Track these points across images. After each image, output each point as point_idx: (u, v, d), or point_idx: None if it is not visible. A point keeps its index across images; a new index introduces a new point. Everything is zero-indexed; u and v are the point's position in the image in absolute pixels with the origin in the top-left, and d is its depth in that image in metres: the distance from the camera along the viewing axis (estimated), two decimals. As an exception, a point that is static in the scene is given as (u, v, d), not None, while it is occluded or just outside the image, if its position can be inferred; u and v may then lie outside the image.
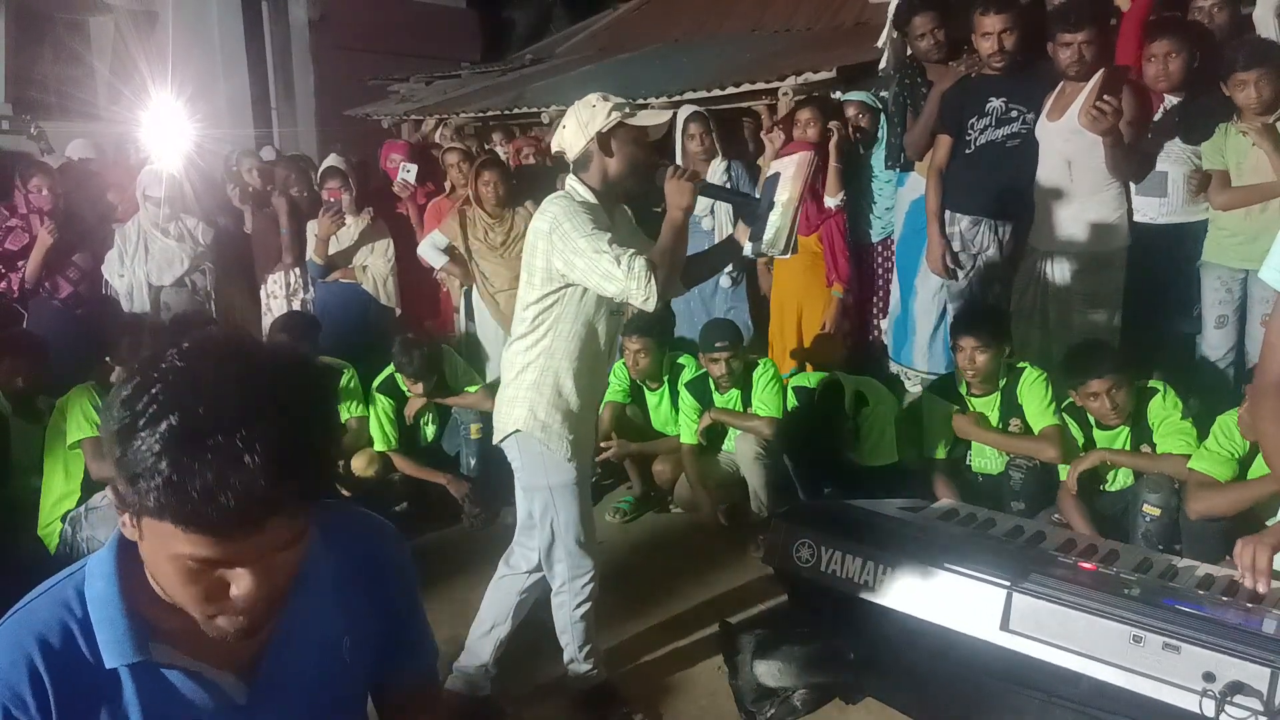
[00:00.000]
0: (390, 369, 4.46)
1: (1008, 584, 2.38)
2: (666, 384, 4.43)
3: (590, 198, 2.59)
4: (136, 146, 7.09)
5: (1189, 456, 3.20)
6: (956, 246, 4.28)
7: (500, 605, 2.86)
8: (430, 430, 4.62)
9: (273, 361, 1.07)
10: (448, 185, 5.61)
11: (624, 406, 4.48)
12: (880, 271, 5.01)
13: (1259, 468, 2.99)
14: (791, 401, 4.25)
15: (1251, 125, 3.56)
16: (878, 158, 4.84)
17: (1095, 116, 3.44)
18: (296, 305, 5.24)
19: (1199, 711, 2.05)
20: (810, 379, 4.42)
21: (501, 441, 2.70)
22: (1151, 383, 3.54)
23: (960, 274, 4.31)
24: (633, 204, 2.86)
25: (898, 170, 4.75)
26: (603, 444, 4.25)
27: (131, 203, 5.28)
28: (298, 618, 1.21)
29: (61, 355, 4.29)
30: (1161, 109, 3.92)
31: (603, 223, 2.53)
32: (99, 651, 1.12)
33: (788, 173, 2.71)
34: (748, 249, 2.80)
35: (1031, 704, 2.35)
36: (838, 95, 5.18)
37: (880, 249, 4.99)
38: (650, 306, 2.47)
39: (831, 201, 4.68)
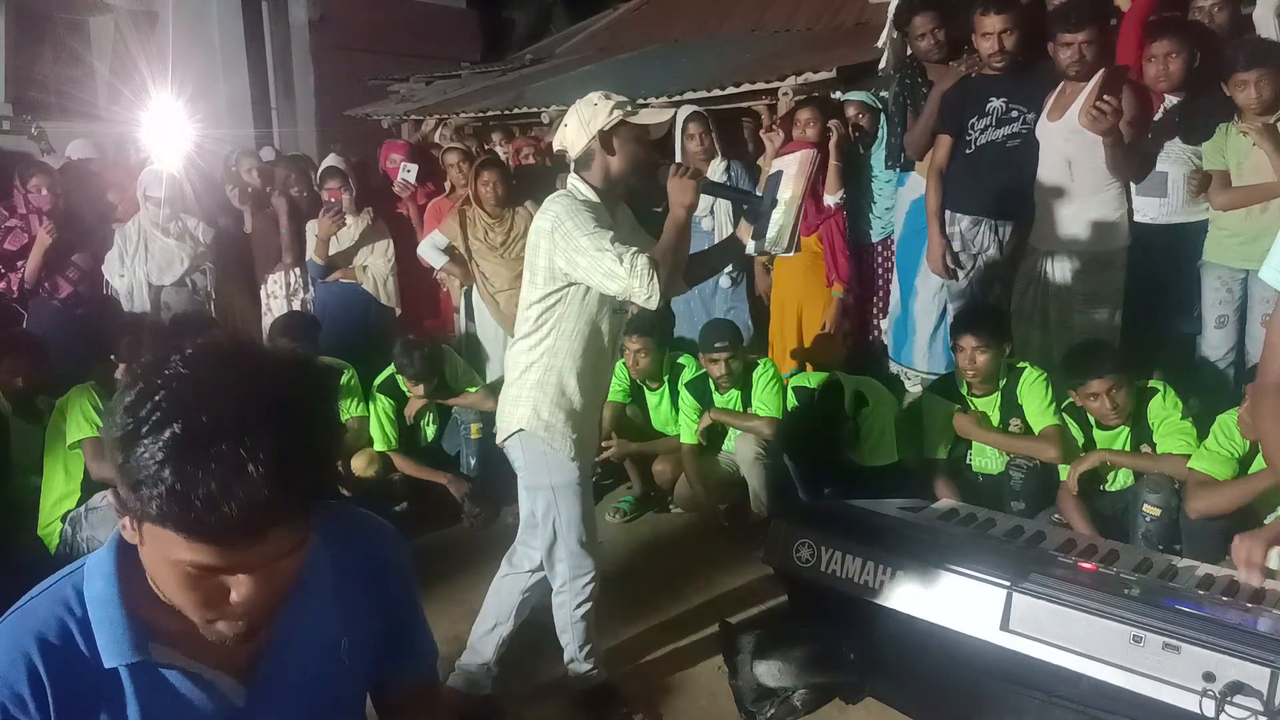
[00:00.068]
0: (390, 369, 4.46)
1: (1008, 584, 2.38)
2: (666, 384, 4.43)
3: (592, 196, 2.59)
4: (136, 146, 7.09)
5: (1189, 456, 3.20)
6: (957, 246, 4.28)
7: (503, 604, 2.86)
8: (430, 430, 4.62)
9: (276, 368, 1.07)
10: (448, 185, 5.61)
11: (624, 406, 4.48)
12: (880, 271, 5.01)
13: (1259, 467, 2.99)
14: (791, 401, 4.25)
15: (1252, 125, 3.56)
16: (878, 157, 4.84)
17: (1095, 116, 3.44)
18: (296, 305, 5.23)
19: (1199, 711, 2.05)
20: (810, 379, 4.42)
21: (505, 441, 2.69)
22: (1151, 383, 3.55)
23: (960, 274, 4.31)
24: (633, 203, 2.86)
25: (898, 170, 4.75)
26: (603, 444, 4.25)
27: (132, 203, 5.28)
28: (297, 619, 1.21)
29: (61, 355, 4.29)
30: (1162, 109, 3.92)
31: (605, 221, 2.53)
32: (98, 651, 1.12)
33: (790, 171, 2.71)
34: (750, 247, 2.80)
35: (1031, 704, 2.34)
36: (838, 95, 5.18)
37: (880, 249, 4.99)
38: (653, 305, 2.47)
39: (831, 200, 4.68)
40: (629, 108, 2.58)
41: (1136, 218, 3.90)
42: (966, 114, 4.16)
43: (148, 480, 0.97)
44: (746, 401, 4.19)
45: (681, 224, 2.57)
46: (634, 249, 2.44)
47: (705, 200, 4.47)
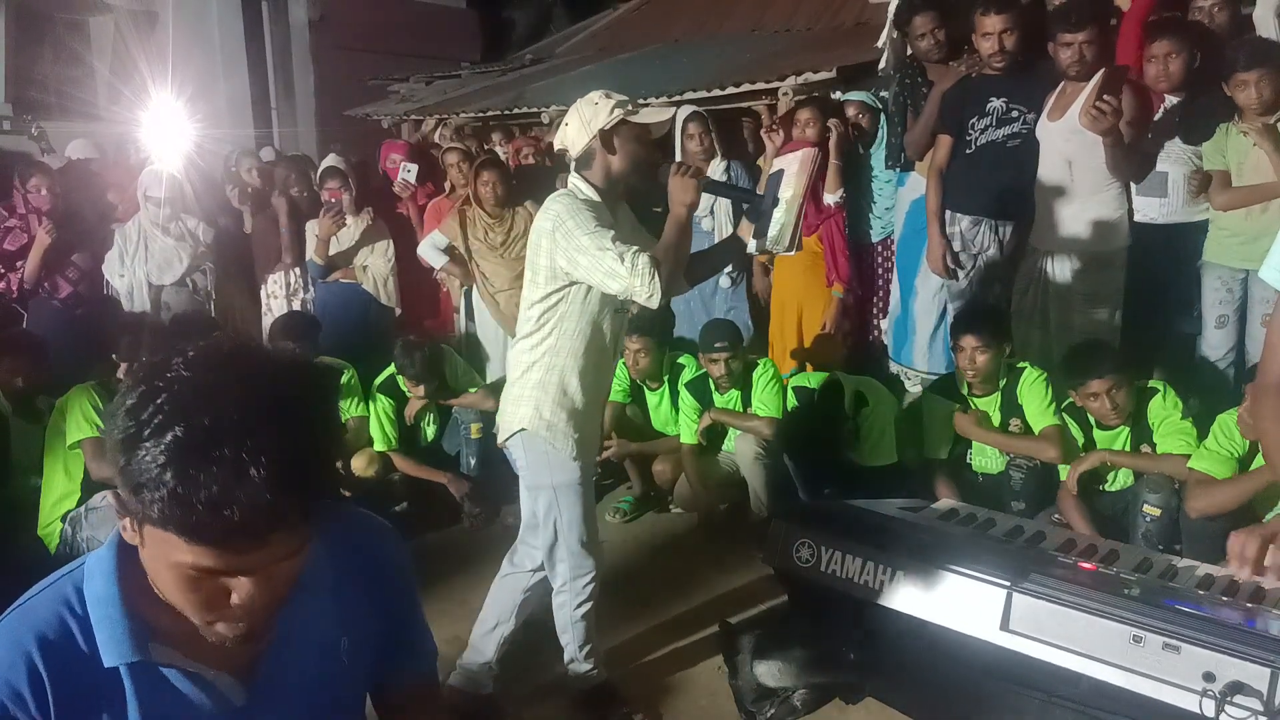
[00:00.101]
0: (390, 369, 4.46)
1: (1008, 584, 2.38)
2: (666, 384, 4.43)
3: (593, 195, 2.59)
4: (136, 146, 7.09)
5: (1189, 456, 3.20)
6: (957, 246, 4.28)
7: (504, 603, 2.86)
8: (431, 430, 4.62)
9: (277, 371, 1.07)
10: (448, 185, 5.61)
11: (624, 406, 4.48)
12: (880, 271, 5.01)
13: (1259, 466, 2.99)
14: (791, 401, 4.25)
15: (1252, 125, 3.57)
16: (878, 157, 4.84)
17: (1095, 116, 3.44)
18: (296, 305, 5.23)
19: (1199, 711, 2.05)
20: (810, 379, 4.42)
21: (507, 440, 2.69)
22: (1152, 383, 3.55)
23: (960, 274, 4.31)
24: (633, 203, 2.86)
25: (898, 170, 4.75)
26: (603, 444, 4.25)
27: (132, 203, 5.28)
28: (296, 619, 1.20)
29: (61, 355, 4.29)
30: (1162, 109, 3.92)
31: (606, 220, 2.53)
32: (98, 650, 1.12)
33: (791, 169, 2.71)
34: (752, 246, 2.80)
35: (1031, 704, 2.34)
36: (838, 95, 5.18)
37: (880, 249, 4.99)
38: (654, 303, 2.47)
39: (830, 198, 4.67)
40: (630, 107, 2.59)
41: (1137, 218, 3.90)
42: (967, 114, 4.16)
43: (149, 483, 0.97)
44: (746, 401, 4.19)
45: (683, 223, 2.57)
46: (635, 248, 2.44)
47: (705, 200, 4.47)
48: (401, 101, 9.63)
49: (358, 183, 5.29)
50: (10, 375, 3.94)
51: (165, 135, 6.24)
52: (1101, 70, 3.55)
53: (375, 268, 5.23)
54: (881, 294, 5.01)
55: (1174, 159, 3.91)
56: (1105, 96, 3.41)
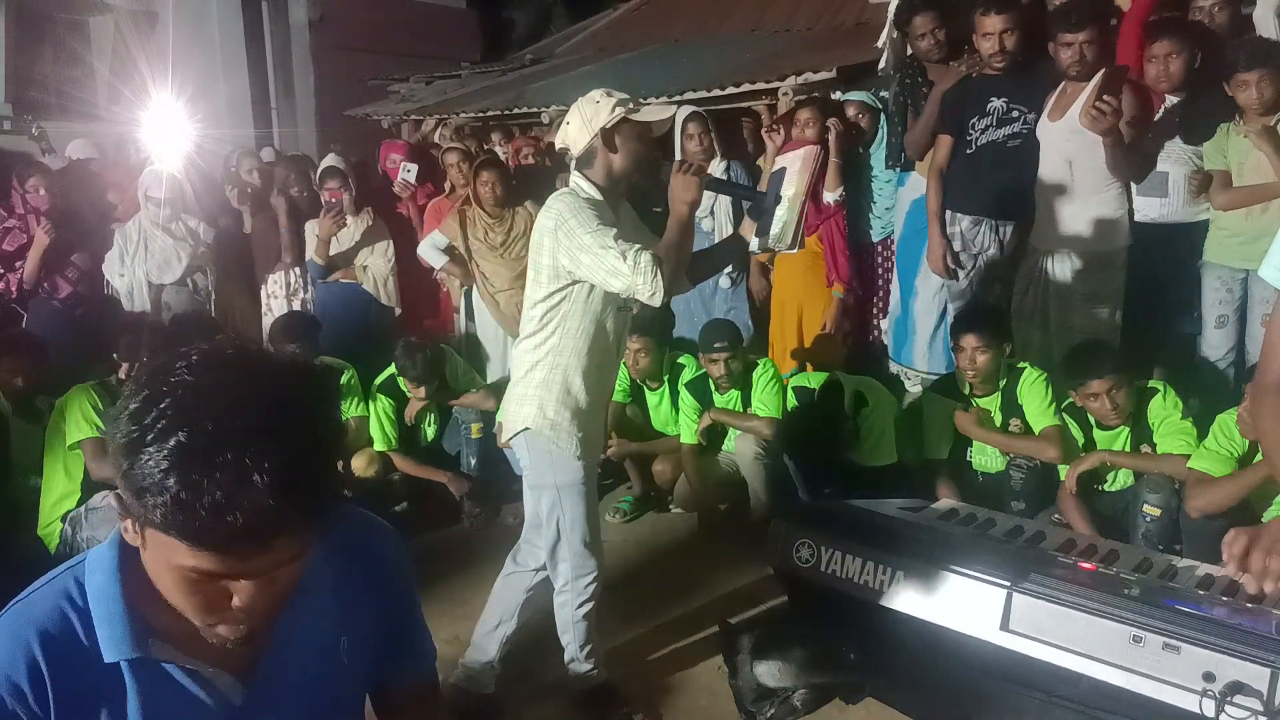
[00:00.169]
0: (391, 369, 4.46)
1: (1008, 584, 2.38)
2: (666, 384, 4.43)
3: (595, 194, 2.59)
4: (136, 146, 7.09)
5: (1189, 456, 3.20)
6: (957, 246, 4.28)
7: (507, 602, 2.86)
8: (431, 431, 4.62)
9: (280, 376, 1.07)
10: (448, 185, 5.61)
11: (624, 406, 4.47)
12: (880, 271, 5.01)
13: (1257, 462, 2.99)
14: (791, 401, 4.25)
15: (1252, 127, 3.57)
16: (878, 157, 4.84)
17: (1095, 116, 3.44)
18: (296, 305, 5.23)
19: (1199, 711, 2.05)
20: (810, 379, 4.42)
21: (510, 440, 2.69)
22: (1152, 383, 3.55)
23: (961, 274, 4.31)
24: (634, 202, 2.86)
25: (898, 170, 4.75)
26: (606, 443, 4.25)
27: (132, 202, 5.28)
28: (296, 619, 1.20)
29: (61, 355, 4.29)
30: (1162, 109, 3.92)
31: (607, 219, 2.53)
32: (99, 645, 1.12)
33: (794, 168, 2.71)
34: (754, 244, 2.80)
35: (1031, 704, 2.34)
36: (838, 95, 5.18)
37: (880, 249, 4.98)
38: (656, 301, 2.47)
39: (830, 196, 4.67)
40: (631, 105, 2.59)
41: (1137, 217, 3.90)
42: (967, 114, 4.16)
43: (152, 488, 0.97)
44: (746, 401, 4.19)
45: (684, 221, 2.58)
46: (637, 246, 2.44)
47: (705, 200, 4.45)
48: (401, 101, 9.63)
49: (357, 183, 5.29)
50: (10, 375, 3.94)
51: (165, 135, 6.24)
52: (1102, 70, 3.55)
53: (375, 268, 5.23)
54: (881, 294, 5.01)
55: (1174, 159, 3.91)
56: (1105, 97, 3.41)
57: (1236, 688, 2.02)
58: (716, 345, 4.11)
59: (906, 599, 2.55)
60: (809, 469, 4.12)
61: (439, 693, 1.57)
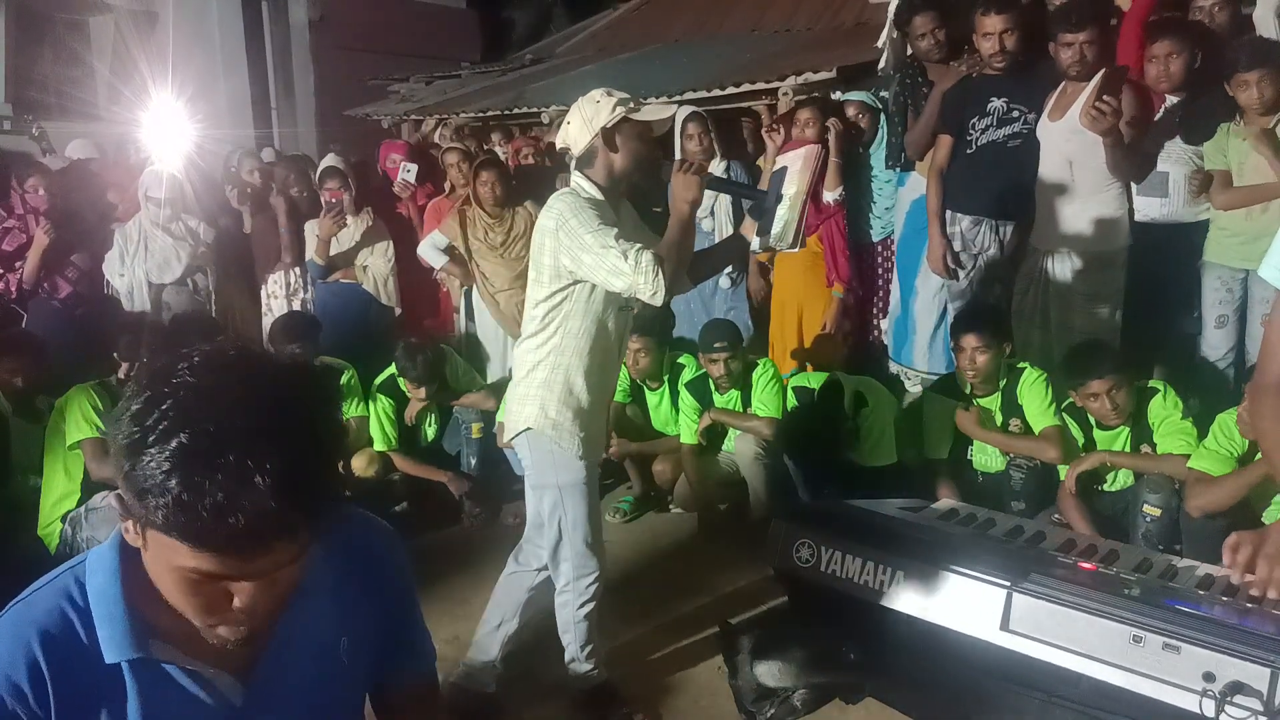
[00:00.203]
0: (391, 369, 4.46)
1: (1008, 584, 2.38)
2: (666, 384, 4.43)
3: (596, 194, 2.59)
4: (136, 146, 7.09)
5: (1189, 456, 3.20)
6: (957, 246, 4.28)
7: (509, 601, 2.86)
8: (431, 431, 4.62)
9: (282, 377, 1.07)
10: (447, 185, 5.61)
11: (624, 406, 4.47)
12: (880, 271, 5.01)
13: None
14: (791, 402, 4.25)
15: (1250, 131, 3.57)
16: (878, 157, 4.84)
17: (1095, 117, 3.44)
18: (296, 305, 5.23)
19: (1199, 711, 2.05)
20: (810, 379, 4.42)
21: (512, 439, 2.69)
22: (1152, 382, 3.55)
23: (961, 274, 4.31)
24: (635, 201, 2.86)
25: (898, 170, 4.75)
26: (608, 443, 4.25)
27: (132, 202, 5.28)
28: (295, 620, 1.20)
29: (61, 355, 4.28)
30: (1163, 109, 3.92)
31: (609, 218, 2.53)
32: (99, 646, 1.12)
33: (795, 166, 2.71)
34: (755, 244, 2.80)
35: (1031, 704, 2.34)
36: (838, 95, 5.18)
37: (881, 249, 4.98)
38: (658, 300, 2.47)
39: (830, 196, 4.67)
40: (631, 104, 2.59)
41: (1137, 217, 3.90)
42: (967, 114, 4.16)
43: (154, 490, 0.97)
44: (746, 401, 4.19)
45: (686, 219, 2.58)
46: (638, 245, 2.44)
47: (705, 200, 4.45)
48: (401, 101, 9.63)
49: (357, 183, 5.29)
50: (10, 375, 3.94)
51: (165, 135, 6.24)
52: (1102, 70, 3.55)
53: (375, 268, 5.23)
54: (881, 294, 5.01)
55: (1175, 159, 3.91)
56: (1105, 97, 3.42)
57: (1236, 688, 2.02)
58: (716, 345, 4.11)
59: (906, 599, 2.55)
60: (809, 469, 4.12)
61: (439, 693, 1.57)
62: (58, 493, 3.65)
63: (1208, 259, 3.86)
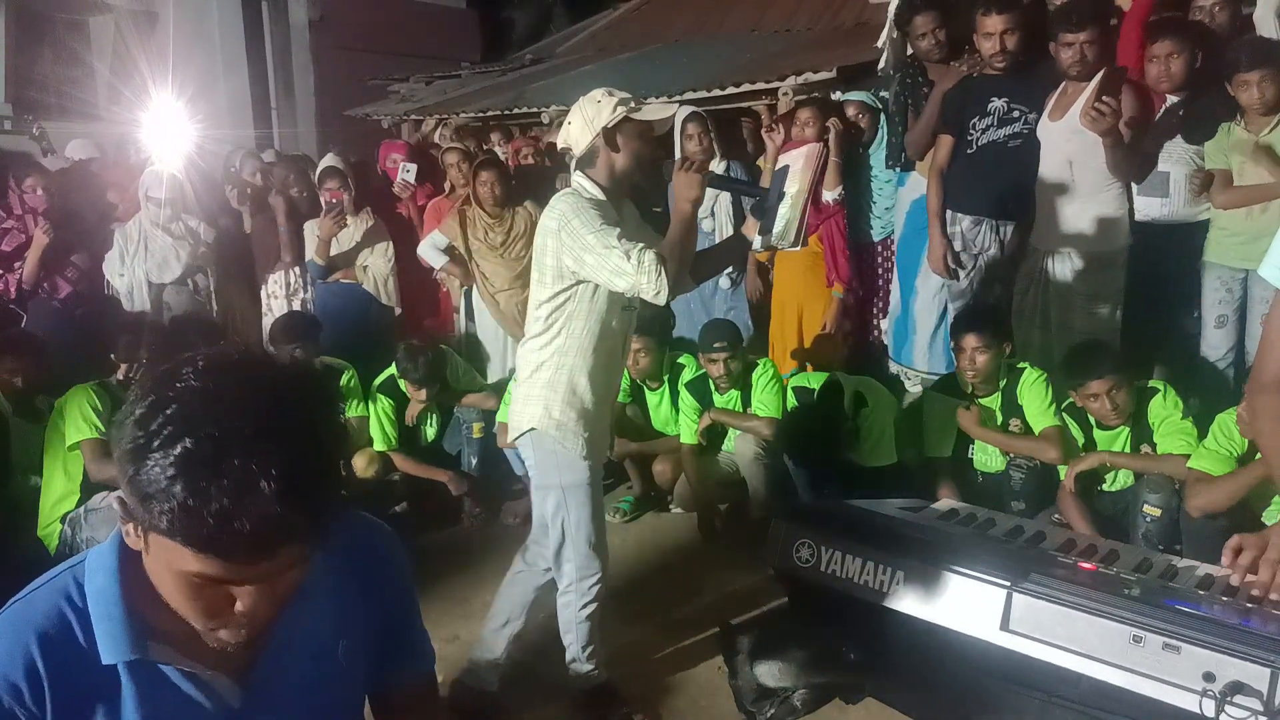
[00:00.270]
0: (391, 369, 4.46)
1: (1008, 584, 2.38)
2: (666, 384, 4.43)
3: (598, 194, 2.59)
4: (137, 146, 7.09)
5: (1189, 456, 3.20)
6: (958, 246, 4.28)
7: (515, 600, 2.86)
8: (431, 431, 4.62)
9: (286, 382, 1.07)
10: (447, 185, 5.61)
11: (624, 406, 4.47)
12: (881, 271, 5.01)
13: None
14: (791, 402, 4.25)
15: (1245, 149, 3.58)
16: (878, 157, 4.84)
17: (1095, 117, 3.44)
18: (296, 305, 5.23)
19: (1199, 711, 2.05)
20: (810, 379, 4.42)
21: (516, 440, 2.69)
22: (1152, 382, 3.55)
23: (961, 274, 4.31)
24: (636, 201, 2.86)
25: (898, 170, 4.75)
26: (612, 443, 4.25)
27: (132, 202, 5.28)
28: (294, 621, 1.20)
29: (61, 355, 4.28)
30: (1163, 109, 3.92)
31: (611, 218, 2.53)
32: (97, 646, 1.12)
33: (797, 165, 2.71)
34: (757, 243, 2.79)
35: (1031, 704, 2.34)
36: (838, 95, 5.18)
37: (881, 249, 4.98)
38: (661, 300, 2.47)
39: (829, 196, 4.66)
40: (632, 104, 2.59)
41: (1138, 217, 3.90)
42: (968, 114, 4.15)
43: (158, 495, 0.97)
44: (746, 401, 4.19)
45: (687, 218, 2.58)
46: (641, 245, 2.44)
47: (705, 200, 4.46)
48: (401, 101, 9.63)
49: (357, 183, 5.29)
50: (10, 375, 3.94)
51: (165, 135, 6.24)
52: (1101, 71, 3.55)
53: (375, 268, 5.23)
54: (882, 294, 5.01)
55: (1176, 159, 3.91)
56: (1105, 97, 3.42)
57: (1236, 688, 2.02)
58: (716, 345, 4.11)
59: (906, 599, 2.55)
60: (809, 469, 4.12)
61: (438, 695, 1.57)
62: (57, 493, 3.65)
63: (1208, 259, 3.86)
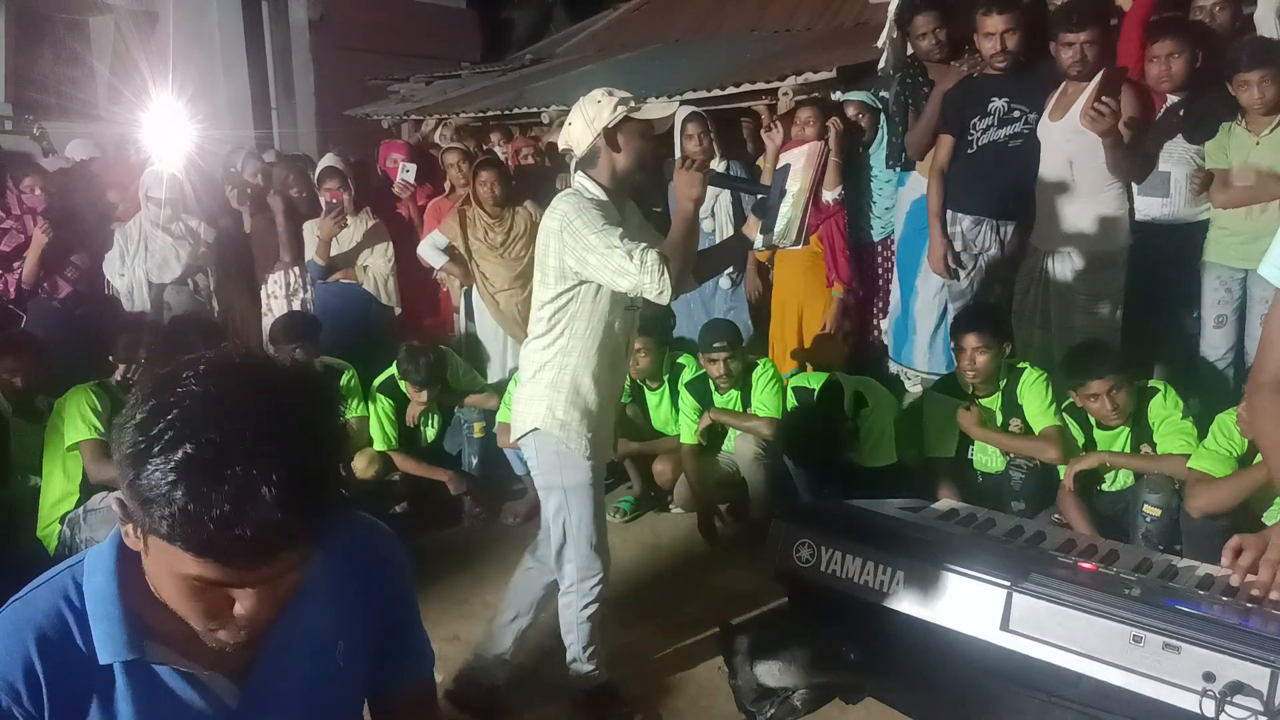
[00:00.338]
0: (391, 369, 4.46)
1: (1008, 584, 2.38)
2: (666, 384, 4.43)
3: (600, 194, 2.59)
4: (137, 146, 7.10)
5: (1189, 456, 3.20)
6: (958, 246, 4.28)
7: (524, 596, 2.86)
8: (431, 432, 4.62)
9: (287, 387, 1.06)
10: (447, 185, 5.61)
11: (624, 406, 4.47)
12: (881, 271, 5.00)
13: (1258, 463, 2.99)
14: (791, 402, 4.25)
15: (1255, 128, 3.58)
16: (878, 157, 4.84)
17: (1094, 117, 3.45)
18: (296, 305, 5.23)
19: (1199, 711, 2.05)
20: (810, 379, 4.41)
21: (519, 440, 2.69)
22: (1152, 382, 3.55)
23: (962, 274, 4.31)
24: (638, 201, 2.86)
25: (898, 170, 4.75)
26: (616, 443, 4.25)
27: (132, 202, 5.28)
28: (293, 623, 1.20)
29: (61, 355, 4.28)
30: (1164, 109, 3.92)
31: (613, 218, 2.53)
32: (94, 646, 1.12)
33: (798, 164, 2.71)
34: (758, 241, 2.79)
35: (1031, 704, 2.34)
36: (838, 95, 5.18)
37: (881, 249, 4.98)
38: (665, 299, 2.47)
39: (829, 195, 4.66)
40: (632, 103, 2.58)
41: (1138, 217, 3.90)
42: (968, 114, 4.15)
43: (159, 500, 0.97)
44: (746, 401, 4.19)
45: (689, 217, 2.58)
46: (643, 245, 2.44)
47: (705, 199, 4.46)
48: (401, 101, 9.64)
49: (357, 183, 5.29)
50: (10, 375, 3.94)
51: (165, 135, 6.24)
52: (1101, 71, 3.55)
53: (375, 268, 5.23)
54: (882, 294, 5.01)
55: (1176, 159, 3.90)
56: (1104, 97, 3.42)
57: (1236, 688, 2.02)
58: (716, 345, 4.11)
59: (906, 599, 2.54)
60: (809, 469, 4.12)
61: (437, 697, 1.57)
62: (56, 494, 3.65)
63: (1207, 259, 3.86)
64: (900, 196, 4.76)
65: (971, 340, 3.70)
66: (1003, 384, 3.78)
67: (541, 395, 2.61)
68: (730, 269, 4.90)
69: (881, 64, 5.10)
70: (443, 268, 5.22)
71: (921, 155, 4.51)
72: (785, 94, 5.71)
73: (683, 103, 5.65)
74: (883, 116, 4.82)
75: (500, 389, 4.54)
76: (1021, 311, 4.12)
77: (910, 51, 4.80)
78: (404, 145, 6.59)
